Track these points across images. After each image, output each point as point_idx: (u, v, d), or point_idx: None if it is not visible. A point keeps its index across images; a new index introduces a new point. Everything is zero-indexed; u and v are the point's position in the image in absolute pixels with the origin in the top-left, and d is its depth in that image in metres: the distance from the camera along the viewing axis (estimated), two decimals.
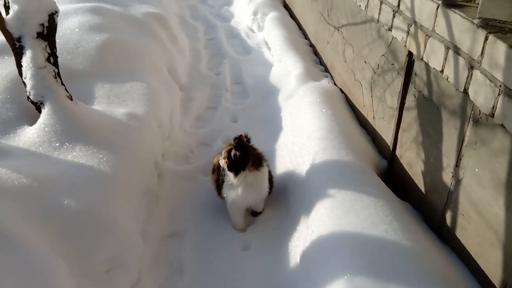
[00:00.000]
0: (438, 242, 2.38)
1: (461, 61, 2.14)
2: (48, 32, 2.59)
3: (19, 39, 2.55)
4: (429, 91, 2.50)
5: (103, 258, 2.26)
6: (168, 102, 3.77)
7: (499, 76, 1.88)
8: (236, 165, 2.57)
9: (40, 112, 2.65)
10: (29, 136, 2.59)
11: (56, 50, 2.69)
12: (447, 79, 2.27)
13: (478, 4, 2.03)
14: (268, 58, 4.94)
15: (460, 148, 2.23)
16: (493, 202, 2.00)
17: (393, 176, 3.03)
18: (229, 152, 2.57)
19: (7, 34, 2.54)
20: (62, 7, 3.30)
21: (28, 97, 2.65)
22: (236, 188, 2.63)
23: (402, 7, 2.69)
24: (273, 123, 3.71)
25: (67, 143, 2.59)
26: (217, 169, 2.85)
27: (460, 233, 2.28)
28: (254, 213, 2.91)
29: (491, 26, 1.98)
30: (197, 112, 4.12)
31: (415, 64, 2.65)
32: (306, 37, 5.19)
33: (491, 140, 2.00)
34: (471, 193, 2.17)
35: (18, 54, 2.59)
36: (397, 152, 2.95)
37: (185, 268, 2.58)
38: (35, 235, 2.09)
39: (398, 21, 2.77)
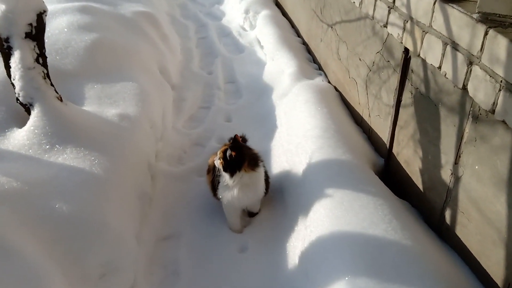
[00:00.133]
0: (437, 240, 2.35)
1: (460, 57, 2.11)
2: (36, 32, 2.53)
3: (7, 40, 2.48)
4: (426, 87, 2.47)
5: (97, 262, 2.20)
6: (160, 102, 3.71)
7: (499, 71, 1.85)
8: (231, 166, 2.52)
9: (29, 114, 2.59)
10: (19, 138, 2.52)
11: (45, 50, 2.63)
12: (445, 75, 2.24)
13: None
14: (261, 56, 4.89)
15: (459, 145, 2.21)
16: (494, 200, 1.98)
17: (390, 174, 3.00)
18: (224, 152, 2.52)
19: None
20: (50, 7, 3.22)
21: (17, 99, 2.58)
22: (232, 189, 2.59)
23: (397, 3, 2.66)
24: (268, 122, 3.67)
25: (57, 145, 2.52)
26: (212, 170, 2.80)
27: (460, 231, 2.26)
28: (250, 214, 2.86)
29: (491, 21, 1.96)
30: (190, 112, 4.06)
31: (411, 60, 2.62)
32: (298, 35, 5.15)
33: (492, 136, 1.97)
34: (471, 190, 2.14)
35: (6, 55, 2.52)
36: (394, 150, 2.92)
37: (181, 271, 2.53)
38: (26, 240, 2.02)
39: (393, 18, 2.74)
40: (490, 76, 1.91)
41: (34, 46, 2.53)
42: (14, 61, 2.49)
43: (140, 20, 4.51)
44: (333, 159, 2.68)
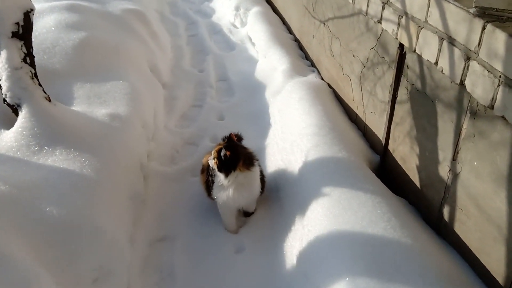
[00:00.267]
0: (436, 238, 2.33)
1: (457, 52, 2.09)
2: (23, 31, 2.46)
3: None
4: (423, 83, 2.45)
5: (89, 267, 2.14)
6: (152, 101, 3.65)
7: (498, 66, 1.83)
8: (226, 166, 2.47)
9: (17, 115, 2.52)
10: (6, 140, 2.45)
11: (32, 49, 2.56)
12: (442, 71, 2.21)
13: None
14: (253, 53, 4.84)
15: (457, 141, 2.19)
16: (494, 196, 1.96)
17: (386, 171, 2.97)
18: (218, 152, 2.47)
19: None
20: (37, 5, 3.15)
21: (4, 100, 2.51)
22: (227, 189, 2.54)
23: None
24: (261, 120, 3.62)
25: (46, 147, 2.45)
26: (206, 170, 2.74)
27: (459, 228, 2.24)
28: (246, 214, 2.81)
29: (488, 15, 1.93)
30: (181, 111, 4.00)
31: (407, 56, 2.59)
32: (290, 31, 5.11)
33: (490, 132, 1.95)
34: (469, 187, 2.12)
35: None
36: (390, 147, 2.90)
37: (176, 273, 2.47)
38: (16, 245, 1.95)
39: (388, 13, 2.71)
40: (489, 71, 1.89)
41: (21, 46, 2.47)
42: (1, 61, 2.43)
43: (129, 18, 4.43)
44: (329, 156, 2.64)
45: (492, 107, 1.89)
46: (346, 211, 2.22)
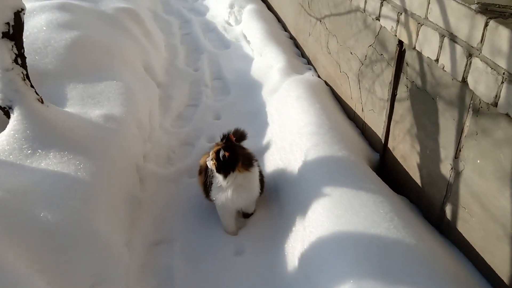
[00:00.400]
0: (439, 237, 2.31)
1: (459, 49, 2.05)
2: (14, 31, 2.39)
3: None
4: (423, 81, 2.41)
5: (86, 273, 2.09)
6: (146, 101, 3.59)
7: (502, 63, 1.79)
8: (225, 167, 2.42)
9: (9, 117, 2.45)
10: None
11: (23, 50, 2.49)
12: (443, 68, 2.18)
13: None
14: (248, 52, 4.79)
15: (459, 139, 2.16)
16: (498, 194, 1.93)
17: (386, 169, 2.94)
18: (217, 153, 2.42)
19: None
20: (28, 5, 3.07)
21: None
22: (226, 191, 2.49)
23: None
24: (259, 119, 3.57)
25: (40, 150, 2.39)
26: (204, 171, 2.69)
27: (462, 227, 2.21)
28: (245, 215, 2.77)
29: (491, 11, 1.90)
30: (177, 111, 3.94)
31: (406, 53, 2.56)
32: (285, 29, 5.06)
33: (494, 130, 1.92)
34: (472, 185, 2.09)
35: None
36: (390, 145, 2.87)
37: (175, 277, 2.42)
38: (9, 252, 1.90)
39: (386, 10, 2.67)
40: (492, 68, 1.86)
41: (12, 46, 2.40)
42: None
43: (122, 17, 4.36)
44: (330, 156, 2.61)
45: (495, 104, 1.86)
46: (347, 211, 2.18)
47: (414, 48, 2.42)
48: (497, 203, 1.94)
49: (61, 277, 2.00)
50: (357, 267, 1.88)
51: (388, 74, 2.75)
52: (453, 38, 2.09)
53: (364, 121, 3.18)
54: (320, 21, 3.87)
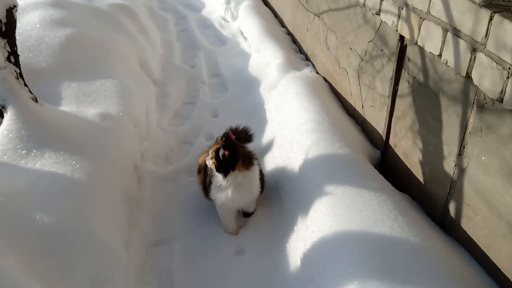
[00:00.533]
0: (443, 235, 2.27)
1: (462, 43, 2.01)
2: (7, 29, 2.33)
3: None
4: (425, 76, 2.38)
5: (84, 276, 2.04)
6: (143, 99, 3.53)
7: (507, 58, 1.76)
8: (225, 166, 2.38)
9: (2, 117, 2.39)
10: None
11: (16, 48, 2.43)
12: (446, 63, 2.14)
13: None
14: (245, 48, 4.73)
15: (463, 136, 2.12)
16: (503, 192, 1.90)
17: (387, 166, 2.91)
18: (216, 151, 2.37)
19: None
20: (20, 1, 3.03)
21: None
22: (226, 190, 2.45)
23: None
24: (257, 117, 3.52)
25: (34, 150, 2.34)
26: (203, 169, 2.65)
27: (466, 225, 2.18)
28: (245, 214, 2.73)
29: (495, 5, 1.86)
30: (174, 108, 3.88)
31: (407, 49, 2.52)
32: (283, 25, 5.00)
33: (499, 126, 1.88)
34: (477, 182, 2.06)
35: None
36: (391, 142, 2.83)
37: (175, 278, 2.39)
38: (3, 256, 1.84)
39: (387, 4, 2.62)
40: (497, 63, 1.82)
41: (5, 44, 2.34)
42: None
43: (116, 13, 4.29)
44: (331, 153, 2.56)
45: (501, 100, 1.82)
46: (350, 210, 2.14)
47: (416, 43, 2.38)
48: (502, 200, 1.91)
49: (58, 281, 1.95)
50: (361, 267, 1.84)
51: (389, 70, 2.71)
52: (456, 33, 2.05)
53: (365, 118, 3.14)
54: (319, 16, 3.83)
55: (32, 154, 2.32)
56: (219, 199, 2.48)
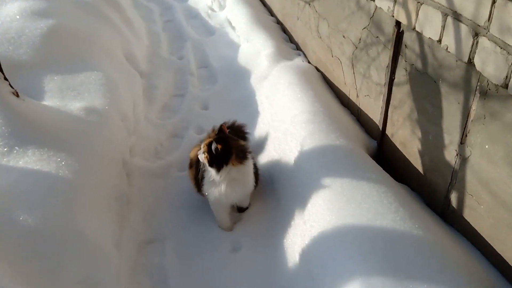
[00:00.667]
0: (445, 226, 2.21)
1: (464, 28, 1.94)
2: None
3: None
4: (424, 63, 2.30)
5: (73, 279, 1.95)
6: (130, 91, 3.41)
7: None
8: (218, 160, 2.28)
9: None
10: None
11: None
12: (447, 49, 2.07)
13: None
14: (234, 38, 4.61)
15: (465, 124, 2.06)
16: (508, 181, 1.84)
17: (384, 157, 2.84)
18: (209, 145, 2.27)
19: None
20: None
21: None
22: (219, 185, 2.36)
23: None
24: (249, 108, 3.43)
25: (17, 147, 2.23)
26: (195, 164, 2.55)
27: (468, 215, 2.13)
28: (240, 209, 2.64)
29: None
30: (162, 101, 3.76)
31: (405, 35, 2.44)
32: (272, 14, 4.89)
33: (504, 113, 1.82)
34: (480, 171, 2.00)
35: None
36: (388, 131, 2.76)
37: (169, 277, 2.31)
38: None
39: None
40: (501, 48, 1.75)
41: None
42: None
43: (100, 4, 4.15)
44: (327, 145, 2.49)
45: (506, 86, 1.75)
46: (350, 203, 2.07)
47: (414, 29, 2.30)
48: (507, 190, 1.85)
49: (47, 285, 1.85)
50: (363, 263, 1.77)
51: (385, 58, 2.63)
52: (457, 17, 1.97)
53: (360, 107, 3.07)
54: (309, 4, 3.72)
55: (15, 151, 2.22)
56: (212, 194, 2.39)
